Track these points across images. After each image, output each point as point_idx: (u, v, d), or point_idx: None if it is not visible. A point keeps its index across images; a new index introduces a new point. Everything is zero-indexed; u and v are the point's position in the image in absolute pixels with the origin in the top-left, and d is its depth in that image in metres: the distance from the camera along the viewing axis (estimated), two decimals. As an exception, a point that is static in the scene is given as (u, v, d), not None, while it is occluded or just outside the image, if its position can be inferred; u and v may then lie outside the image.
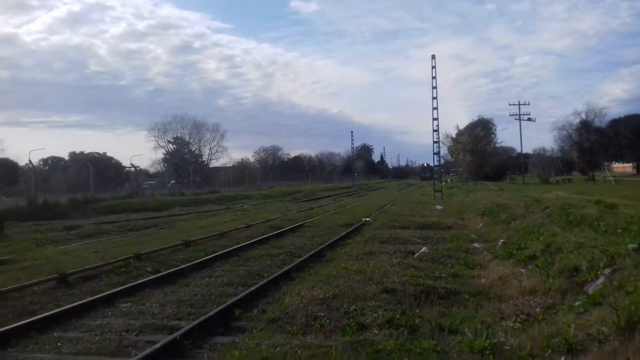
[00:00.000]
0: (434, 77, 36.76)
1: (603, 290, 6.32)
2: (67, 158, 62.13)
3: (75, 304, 8.24)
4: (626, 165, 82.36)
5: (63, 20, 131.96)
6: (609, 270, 7.07)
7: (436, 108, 37.06)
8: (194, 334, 6.48)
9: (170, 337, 6.28)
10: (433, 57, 37.31)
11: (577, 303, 6.31)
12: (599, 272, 7.16)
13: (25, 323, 7.14)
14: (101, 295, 8.81)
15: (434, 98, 36.85)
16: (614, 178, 54.19)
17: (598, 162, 70.45)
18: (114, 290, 9.16)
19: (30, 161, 35.68)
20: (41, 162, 56.27)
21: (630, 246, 7.79)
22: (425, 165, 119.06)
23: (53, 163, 60.22)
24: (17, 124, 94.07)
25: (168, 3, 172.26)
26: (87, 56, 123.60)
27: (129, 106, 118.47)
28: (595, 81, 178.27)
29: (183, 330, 6.49)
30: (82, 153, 60.74)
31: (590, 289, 6.75)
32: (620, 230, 9.85)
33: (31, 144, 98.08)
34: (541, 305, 6.87)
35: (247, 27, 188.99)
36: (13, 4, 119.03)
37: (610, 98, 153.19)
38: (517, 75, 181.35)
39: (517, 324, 6.33)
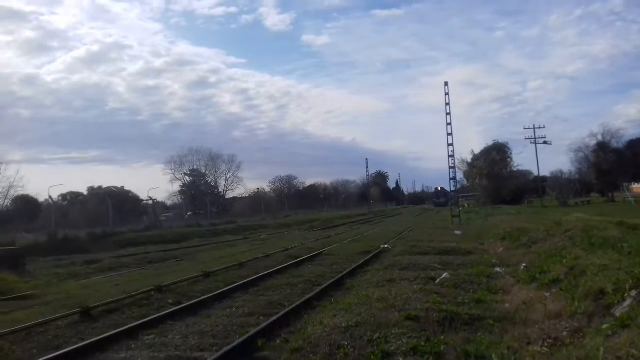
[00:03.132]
0: (447, 104, 36.88)
1: (631, 312, 6.22)
2: (85, 193, 62.80)
3: (99, 337, 8.28)
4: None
5: (82, 60, 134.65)
6: (635, 292, 6.95)
7: (450, 134, 37.09)
8: (218, 365, 6.48)
9: (195, 369, 6.29)
10: (446, 84, 37.56)
11: (604, 326, 6.20)
12: (625, 295, 7.03)
13: (50, 358, 7.18)
14: (124, 328, 8.84)
15: (448, 124, 36.91)
16: (634, 199, 53.39)
17: (617, 183, 69.54)
18: (137, 323, 9.19)
19: (50, 197, 36.21)
20: (60, 198, 56.96)
21: (656, 267, 7.68)
22: (439, 189, 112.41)
23: (72, 198, 60.84)
24: (37, 160, 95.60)
25: (184, 40, 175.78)
26: (105, 94, 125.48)
27: (147, 141, 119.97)
28: (609, 103, 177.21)
29: (207, 361, 6.50)
30: (100, 188, 61.36)
31: (618, 312, 6.64)
32: (644, 252, 9.71)
33: (51, 180, 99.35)
34: (568, 329, 6.75)
35: (260, 61, 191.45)
36: (35, 46, 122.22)
37: (626, 119, 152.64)
38: (530, 100, 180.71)
39: (545, 349, 6.23)
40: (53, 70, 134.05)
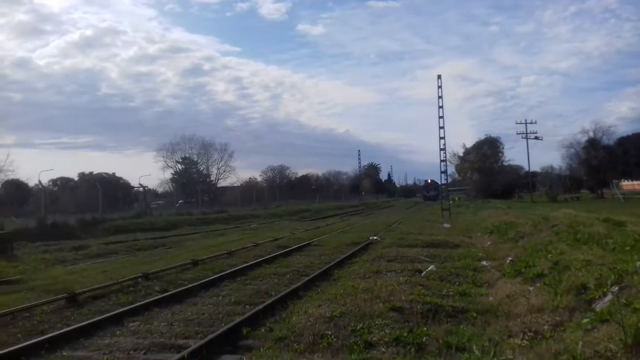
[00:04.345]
0: (440, 97, 36.87)
1: (611, 307, 6.29)
2: (76, 179, 62.47)
3: (84, 323, 8.32)
4: (635, 182, 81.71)
5: (76, 45, 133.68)
6: (616, 288, 7.03)
7: (443, 127, 37.12)
8: (201, 352, 6.52)
9: (178, 356, 6.32)
10: (439, 76, 37.47)
11: (584, 320, 6.28)
12: (606, 290, 7.12)
13: (35, 342, 7.20)
14: (110, 314, 8.88)
15: (440, 117, 36.94)
16: (622, 196, 53.84)
17: (607, 180, 70.07)
18: (122, 310, 9.21)
19: (40, 182, 35.93)
20: (51, 183, 56.62)
21: (638, 263, 7.77)
22: (430, 181, 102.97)
23: (62, 183, 60.53)
24: (28, 145, 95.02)
25: (178, 27, 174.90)
26: (98, 79, 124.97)
27: (139, 127, 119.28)
28: (601, 100, 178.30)
29: (191, 349, 6.53)
30: (91, 174, 61.02)
31: (598, 307, 6.72)
32: (628, 248, 9.80)
33: (41, 164, 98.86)
34: (549, 323, 6.83)
35: (255, 50, 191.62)
36: (28, 29, 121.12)
37: (617, 116, 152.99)
38: (523, 95, 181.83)
39: (525, 342, 6.30)
40: (46, 54, 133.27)
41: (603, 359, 5.00)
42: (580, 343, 5.42)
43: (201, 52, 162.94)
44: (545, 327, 6.75)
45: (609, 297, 6.85)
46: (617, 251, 9.84)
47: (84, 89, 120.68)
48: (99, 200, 36.09)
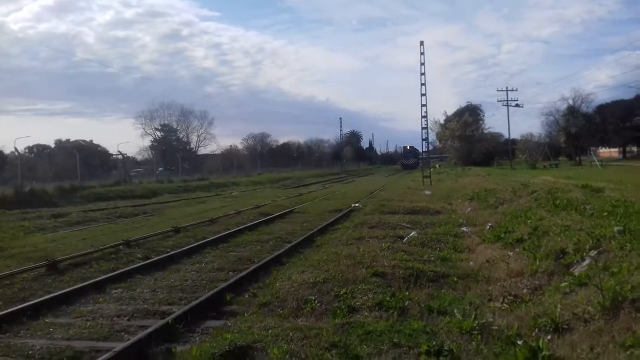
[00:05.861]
0: (422, 64, 36.61)
1: (589, 271, 6.42)
2: (53, 146, 61.58)
3: (66, 290, 8.26)
4: (612, 150, 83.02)
5: (50, 9, 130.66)
6: (594, 252, 7.16)
7: (424, 94, 36.97)
8: (186, 318, 6.52)
9: (162, 322, 6.31)
10: (421, 43, 37.08)
11: (563, 284, 6.39)
12: (585, 254, 7.24)
13: (17, 309, 7.15)
14: (92, 281, 8.82)
15: (422, 84, 36.77)
16: (600, 162, 54.68)
17: (585, 147, 71.09)
18: (104, 277, 9.16)
19: (16, 149, 35.34)
20: (27, 150, 55.83)
21: (616, 228, 7.90)
22: (409, 148, 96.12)
23: (39, 151, 59.71)
24: (3, 111, 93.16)
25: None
26: (74, 44, 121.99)
27: (117, 94, 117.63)
28: (581, 68, 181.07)
29: (175, 314, 6.53)
30: (68, 141, 60.22)
31: (577, 271, 6.85)
32: (605, 214, 9.97)
33: (17, 131, 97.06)
34: (528, 287, 6.96)
35: (234, 15, 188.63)
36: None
37: (597, 84, 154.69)
38: (505, 62, 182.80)
39: (505, 305, 6.43)
40: (20, 18, 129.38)
41: (581, 321, 5.12)
42: (559, 306, 5.54)
43: (179, 17, 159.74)
44: (525, 290, 6.88)
45: (587, 261, 6.98)
46: (595, 217, 10.00)
47: (60, 54, 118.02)
48: (77, 168, 35.59)
